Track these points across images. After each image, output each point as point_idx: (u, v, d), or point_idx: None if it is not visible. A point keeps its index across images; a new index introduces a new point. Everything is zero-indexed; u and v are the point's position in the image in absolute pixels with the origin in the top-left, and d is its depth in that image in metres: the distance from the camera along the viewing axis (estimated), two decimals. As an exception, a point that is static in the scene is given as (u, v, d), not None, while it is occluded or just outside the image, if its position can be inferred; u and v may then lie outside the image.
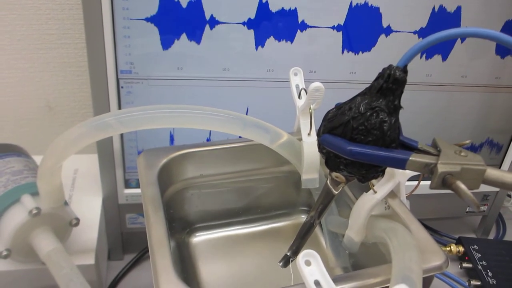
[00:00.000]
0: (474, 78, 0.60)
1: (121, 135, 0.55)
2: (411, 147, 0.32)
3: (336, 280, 0.30)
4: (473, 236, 0.74)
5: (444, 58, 0.58)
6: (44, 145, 0.68)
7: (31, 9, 0.63)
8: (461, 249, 0.65)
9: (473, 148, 0.66)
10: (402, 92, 0.31)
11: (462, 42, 0.57)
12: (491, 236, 0.74)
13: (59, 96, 0.70)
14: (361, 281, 0.34)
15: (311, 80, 0.44)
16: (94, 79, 0.50)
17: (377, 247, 0.42)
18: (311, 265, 0.29)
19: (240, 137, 0.46)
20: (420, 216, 0.42)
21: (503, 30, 0.58)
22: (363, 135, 0.31)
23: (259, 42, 0.52)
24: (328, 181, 0.38)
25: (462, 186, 0.27)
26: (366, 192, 0.40)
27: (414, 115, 0.61)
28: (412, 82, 0.58)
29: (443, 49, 0.57)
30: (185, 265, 0.51)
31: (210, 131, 0.57)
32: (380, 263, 0.36)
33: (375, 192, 0.40)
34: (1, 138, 0.55)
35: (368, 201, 0.40)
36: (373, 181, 0.40)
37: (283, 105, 0.55)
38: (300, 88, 0.47)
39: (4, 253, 0.44)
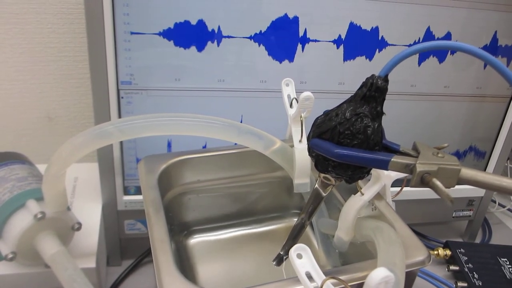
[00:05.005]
0: (456, 88, 0.63)
1: (121, 144, 0.56)
2: (393, 150, 0.34)
3: (325, 273, 0.32)
4: (460, 240, 0.76)
5: (428, 69, 0.61)
6: (44, 154, 0.70)
7: (33, 23, 0.65)
8: (448, 252, 0.67)
9: (457, 155, 0.69)
10: (384, 99, 0.34)
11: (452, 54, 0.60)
12: (477, 240, 0.76)
13: (59, 107, 0.72)
14: (348, 275, 0.36)
15: (302, 90, 0.45)
16: (95, 90, 0.52)
17: (365, 246, 0.44)
18: (302, 258, 0.31)
19: (235, 144, 0.48)
20: (408, 221, 0.44)
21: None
22: (349, 139, 0.33)
23: (254, 55, 0.55)
24: (317, 184, 0.40)
25: (438, 183, 0.30)
26: (354, 194, 0.42)
27: (400, 123, 0.64)
28: (398, 92, 0.61)
29: (428, 60, 0.60)
30: (183, 266, 0.52)
31: (206, 140, 0.59)
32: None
33: (363, 194, 0.42)
34: (3, 147, 0.57)
35: (356, 203, 0.42)
36: (361, 183, 0.43)
37: (276, 113, 0.57)
38: (292, 97, 0.49)
39: (10, 255, 0.46)
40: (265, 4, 0.53)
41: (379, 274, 0.26)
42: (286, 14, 0.54)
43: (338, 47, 0.57)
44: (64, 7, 0.65)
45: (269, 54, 0.55)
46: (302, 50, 0.56)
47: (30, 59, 0.68)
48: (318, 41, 0.56)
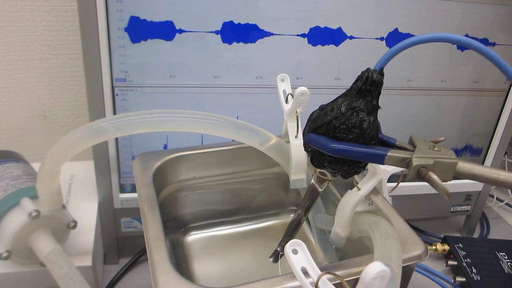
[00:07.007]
0: (453, 82, 0.63)
1: (116, 141, 0.56)
2: (389, 144, 0.34)
3: (321, 269, 0.31)
4: (458, 235, 0.76)
5: (425, 63, 0.61)
6: (40, 153, 0.70)
7: (27, 21, 0.65)
8: (447, 247, 0.67)
9: (455, 150, 0.68)
10: (379, 93, 0.33)
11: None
12: (476, 235, 0.76)
13: (54, 105, 0.71)
14: (345, 270, 0.36)
15: (298, 86, 0.45)
16: (90, 87, 0.52)
17: (363, 241, 0.44)
18: (298, 254, 0.31)
19: (233, 140, 0.47)
20: (406, 216, 0.44)
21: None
22: (344, 133, 0.33)
23: (249, 51, 0.55)
24: (313, 179, 0.40)
25: (434, 176, 0.29)
26: (351, 189, 0.42)
27: (398, 119, 0.63)
28: (395, 87, 0.61)
29: (425, 54, 0.60)
30: (179, 263, 0.52)
31: (202, 137, 0.58)
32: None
33: (359, 189, 0.42)
34: (-3, 146, 0.57)
35: (353, 198, 0.41)
36: (357, 178, 0.42)
37: (271, 109, 0.57)
38: (287, 93, 0.49)
39: (5, 254, 0.46)
40: (261, 1, 0.52)
41: (374, 268, 0.26)
42: (284, 11, 0.53)
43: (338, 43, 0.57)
44: (58, 4, 0.65)
45: (264, 50, 0.55)
46: (298, 46, 0.56)
47: (24, 57, 0.67)
48: (314, 36, 0.55)
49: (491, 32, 0.60)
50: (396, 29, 0.57)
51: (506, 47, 0.62)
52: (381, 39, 0.57)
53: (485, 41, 0.61)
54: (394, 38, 0.57)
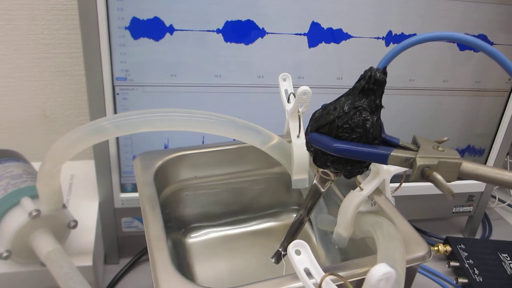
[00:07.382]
0: (455, 82, 0.63)
1: (117, 140, 0.56)
2: (393, 144, 0.34)
3: (324, 270, 0.31)
4: (460, 236, 0.76)
5: (427, 63, 0.60)
6: (40, 152, 0.70)
7: (27, 20, 0.65)
8: (449, 248, 0.66)
9: (457, 150, 0.68)
10: (382, 92, 0.33)
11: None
12: (478, 236, 0.76)
13: (54, 104, 0.71)
14: (348, 271, 0.36)
15: (299, 85, 0.45)
16: (90, 86, 0.51)
17: (365, 242, 0.43)
18: (301, 254, 0.31)
19: (234, 140, 0.47)
20: (408, 217, 0.44)
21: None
22: (347, 133, 0.33)
23: (250, 50, 0.54)
24: (315, 179, 0.40)
25: (439, 176, 0.29)
26: (353, 189, 0.42)
27: (399, 119, 0.63)
28: (397, 87, 0.61)
29: (427, 53, 0.60)
30: (181, 263, 0.52)
31: (203, 137, 0.58)
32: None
33: (362, 189, 0.41)
34: (-3, 145, 0.57)
35: (355, 198, 0.41)
36: (360, 178, 0.42)
37: (273, 109, 0.56)
38: (289, 92, 0.49)
39: (5, 254, 0.45)
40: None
41: (380, 270, 0.25)
42: (284, 9, 0.53)
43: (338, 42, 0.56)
44: (58, 2, 0.65)
45: (265, 49, 0.54)
46: (299, 45, 0.55)
47: (24, 56, 0.67)
48: (315, 35, 0.55)
49: (491, 31, 0.60)
50: (396, 28, 0.57)
51: (505, 47, 0.62)
52: (381, 38, 0.57)
53: (484, 40, 0.60)
54: (394, 37, 0.57)
